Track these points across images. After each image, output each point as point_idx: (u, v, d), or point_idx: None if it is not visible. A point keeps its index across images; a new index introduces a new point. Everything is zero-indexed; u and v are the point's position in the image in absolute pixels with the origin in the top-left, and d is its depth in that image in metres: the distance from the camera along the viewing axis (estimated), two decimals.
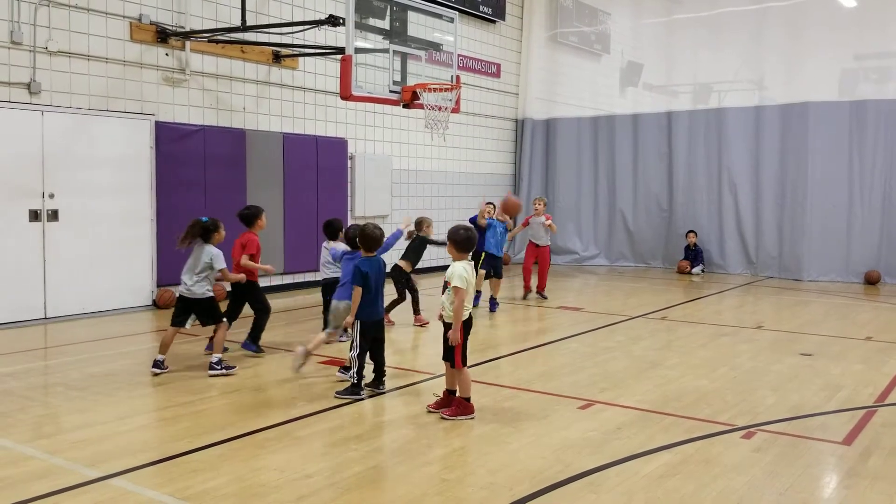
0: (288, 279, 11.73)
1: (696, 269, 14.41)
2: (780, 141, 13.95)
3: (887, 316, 10.14)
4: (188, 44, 10.21)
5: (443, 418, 5.30)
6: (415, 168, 14.05)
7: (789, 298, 11.56)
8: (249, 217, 7.41)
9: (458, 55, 11.03)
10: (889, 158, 13.03)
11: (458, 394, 5.41)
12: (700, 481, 4.26)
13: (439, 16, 10.47)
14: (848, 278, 13.23)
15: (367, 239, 5.92)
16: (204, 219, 6.85)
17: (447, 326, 5.36)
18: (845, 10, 13.76)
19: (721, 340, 8.31)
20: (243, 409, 5.60)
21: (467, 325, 5.40)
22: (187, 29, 10.15)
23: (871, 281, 12.98)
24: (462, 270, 5.32)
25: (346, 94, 9.04)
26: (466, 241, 5.43)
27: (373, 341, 5.94)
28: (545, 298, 10.91)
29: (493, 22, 15.76)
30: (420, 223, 9.00)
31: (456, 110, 10.33)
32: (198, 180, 10.42)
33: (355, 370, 5.86)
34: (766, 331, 8.92)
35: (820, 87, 13.59)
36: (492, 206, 10.50)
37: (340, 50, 9.23)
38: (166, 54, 10.11)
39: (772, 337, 8.56)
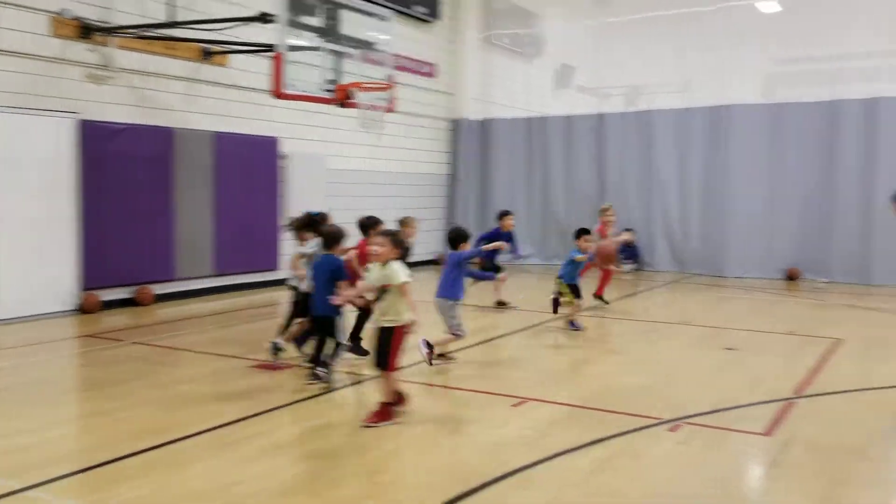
0: (218, 281, 11.50)
1: (628, 267, 14.71)
2: (706, 142, 14.37)
3: (807, 311, 10.54)
4: (113, 40, 9.92)
5: (366, 426, 5.08)
6: (350, 168, 13.96)
7: (715, 295, 11.91)
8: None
9: (393, 55, 11.00)
10: (807, 159, 13.52)
11: (383, 399, 5.25)
12: (629, 475, 4.36)
13: (373, 15, 10.43)
14: (770, 275, 13.70)
15: (323, 236, 6.22)
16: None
17: (385, 332, 5.20)
18: (768, 17, 14.25)
19: (650, 336, 8.51)
20: (170, 415, 5.47)
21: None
22: (112, 24, 9.86)
23: (792, 277, 13.48)
24: (405, 268, 5.26)
25: (277, 93, 8.93)
26: (402, 237, 5.41)
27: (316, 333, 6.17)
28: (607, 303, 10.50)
29: (428, 22, 15.78)
30: (402, 223, 8.80)
31: (391, 109, 10.31)
32: (124, 180, 10.11)
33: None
34: (693, 326, 9.17)
35: (743, 91, 14.04)
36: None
37: (272, 47, 9.11)
38: (90, 50, 9.79)
39: (698, 332, 8.80)
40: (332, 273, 6.01)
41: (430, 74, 16.00)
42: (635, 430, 5.12)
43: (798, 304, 11.15)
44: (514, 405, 5.70)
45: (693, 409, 5.61)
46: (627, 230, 14.98)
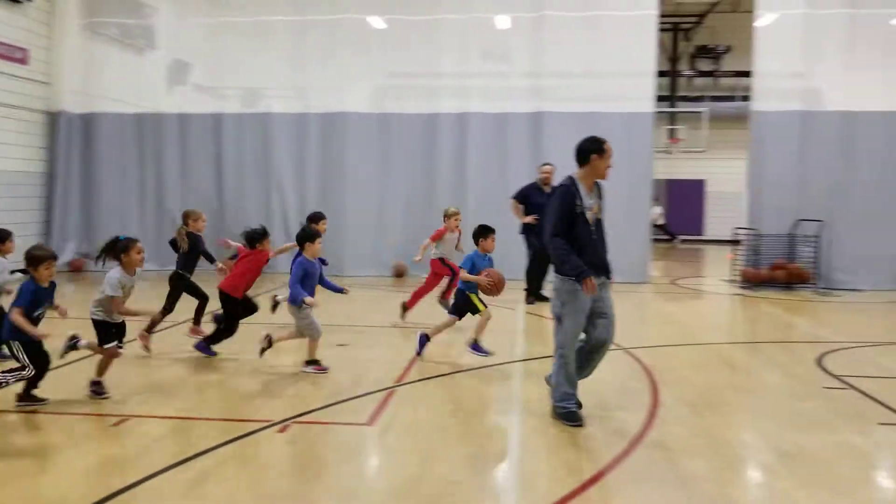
0: None
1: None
2: (322, 146, 14.98)
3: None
4: None
5: None
6: None
7: (331, 293, 12.39)
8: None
9: None
10: (410, 165, 14.83)
11: None
12: (235, 481, 4.35)
13: None
14: (381, 272, 14.72)
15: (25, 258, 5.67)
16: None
17: None
18: (376, 32, 15.23)
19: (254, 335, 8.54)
20: None
21: None
22: None
23: (399, 274, 14.65)
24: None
25: None
26: None
27: None
28: None
29: (19, 2, 13.99)
30: (185, 216, 8.24)
31: None
32: None
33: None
34: None
35: (355, 100, 14.89)
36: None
37: None
38: None
39: None
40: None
41: (21, 61, 14.22)
42: (245, 435, 5.13)
43: (403, 299, 12.11)
44: (114, 424, 5.33)
45: (303, 408, 5.80)
46: None
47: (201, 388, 6.37)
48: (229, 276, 7.62)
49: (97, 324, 5.98)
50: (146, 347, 7.60)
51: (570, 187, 5.40)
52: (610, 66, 14.07)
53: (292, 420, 5.46)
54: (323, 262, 8.34)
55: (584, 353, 5.61)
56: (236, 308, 7.56)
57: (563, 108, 14.19)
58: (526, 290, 11.64)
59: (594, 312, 5.45)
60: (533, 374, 7.14)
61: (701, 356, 8.14)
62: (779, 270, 13.63)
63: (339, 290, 7.83)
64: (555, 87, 14.45)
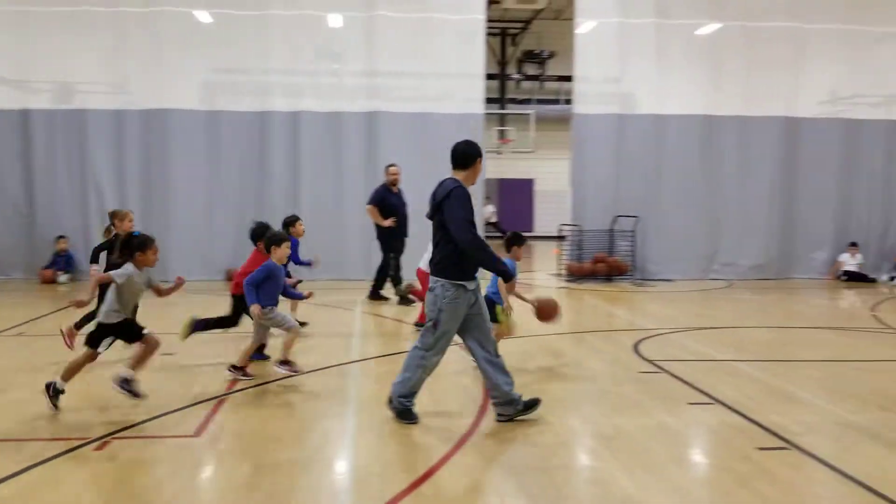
0: None
1: (63, 278, 13.68)
2: (143, 145, 14.21)
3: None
4: None
5: None
6: None
7: (156, 299, 11.77)
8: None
9: None
10: (242, 165, 14.36)
11: None
12: None
13: None
14: (212, 275, 14.15)
15: None
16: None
17: None
18: (202, 26, 14.62)
19: (69, 352, 7.98)
20: None
21: None
22: None
23: (231, 277, 14.13)
24: None
25: None
26: None
27: None
28: None
29: None
30: (112, 216, 7.90)
31: None
32: None
33: None
34: None
35: (180, 96, 14.23)
36: None
37: None
38: None
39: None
40: None
41: None
42: (57, 455, 4.76)
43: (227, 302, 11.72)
44: None
45: (124, 422, 5.47)
46: (61, 237, 13.93)
47: (8, 405, 5.83)
48: (238, 278, 7.41)
49: (110, 327, 5.86)
50: (71, 345, 7.38)
51: (464, 188, 5.42)
52: (441, 68, 14.38)
53: (111, 436, 5.12)
54: (288, 274, 8.01)
55: (497, 363, 5.60)
56: (242, 307, 7.39)
57: (397, 108, 14.36)
58: (373, 287, 11.72)
59: (469, 315, 5.51)
60: (368, 374, 7.16)
61: (530, 347, 8.48)
62: (600, 264, 14.49)
63: (301, 297, 7.74)
64: (388, 87, 14.55)
